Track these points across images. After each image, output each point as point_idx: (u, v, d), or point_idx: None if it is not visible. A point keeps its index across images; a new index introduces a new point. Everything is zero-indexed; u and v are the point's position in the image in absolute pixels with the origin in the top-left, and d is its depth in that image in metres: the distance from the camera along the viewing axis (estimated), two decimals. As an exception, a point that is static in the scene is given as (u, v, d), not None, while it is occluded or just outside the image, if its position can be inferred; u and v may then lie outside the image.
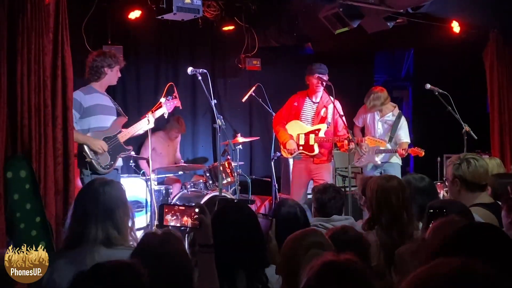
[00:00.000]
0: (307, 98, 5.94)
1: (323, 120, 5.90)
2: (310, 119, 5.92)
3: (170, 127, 6.72)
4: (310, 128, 5.88)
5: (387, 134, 6.19)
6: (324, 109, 5.89)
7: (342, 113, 5.75)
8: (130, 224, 2.55)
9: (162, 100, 5.16)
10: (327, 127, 5.87)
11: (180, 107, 5.49)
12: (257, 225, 2.41)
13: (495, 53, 6.45)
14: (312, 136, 5.83)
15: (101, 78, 4.79)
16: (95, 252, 2.38)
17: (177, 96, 5.39)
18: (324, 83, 5.72)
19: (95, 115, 4.68)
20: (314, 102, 5.92)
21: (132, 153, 6.12)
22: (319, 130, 5.88)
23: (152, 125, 5.07)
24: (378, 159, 6.18)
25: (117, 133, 4.80)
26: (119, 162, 4.90)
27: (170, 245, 2.17)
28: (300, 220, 3.07)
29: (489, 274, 1.13)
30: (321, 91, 5.87)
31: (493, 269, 1.15)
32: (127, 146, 4.91)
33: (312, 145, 5.83)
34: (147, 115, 5.03)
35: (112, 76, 4.84)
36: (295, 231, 2.28)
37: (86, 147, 4.53)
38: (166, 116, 5.26)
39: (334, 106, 5.75)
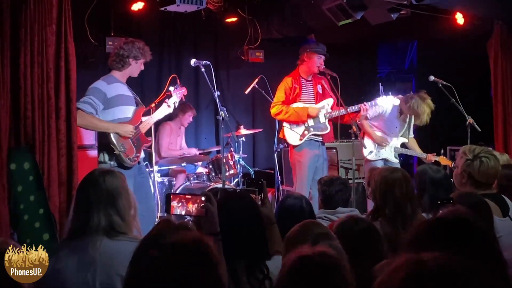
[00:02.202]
0: (301, 78, 5.62)
1: (323, 96, 5.66)
2: (312, 98, 5.64)
3: (183, 113, 6.70)
4: (318, 106, 5.60)
5: (405, 131, 5.91)
6: (319, 86, 5.68)
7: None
8: (132, 213, 2.53)
9: (171, 88, 4.96)
10: (333, 101, 5.60)
11: (183, 98, 5.48)
12: (257, 217, 2.39)
13: (499, 45, 6.41)
14: (322, 113, 5.59)
15: (124, 68, 4.59)
16: (97, 240, 2.36)
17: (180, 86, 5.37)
18: (329, 75, 5.52)
19: (118, 105, 4.49)
20: (308, 81, 5.67)
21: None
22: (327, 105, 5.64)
23: (172, 109, 4.88)
24: (394, 155, 5.93)
25: (139, 124, 4.63)
26: (142, 154, 4.70)
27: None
28: (306, 212, 3.07)
29: (445, 269, 1.12)
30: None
31: (452, 261, 1.13)
32: (147, 137, 4.75)
33: (324, 123, 5.59)
34: (167, 101, 4.83)
35: (135, 68, 4.64)
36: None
37: (113, 139, 4.34)
38: (176, 105, 5.02)
39: (326, 80, 5.56)
